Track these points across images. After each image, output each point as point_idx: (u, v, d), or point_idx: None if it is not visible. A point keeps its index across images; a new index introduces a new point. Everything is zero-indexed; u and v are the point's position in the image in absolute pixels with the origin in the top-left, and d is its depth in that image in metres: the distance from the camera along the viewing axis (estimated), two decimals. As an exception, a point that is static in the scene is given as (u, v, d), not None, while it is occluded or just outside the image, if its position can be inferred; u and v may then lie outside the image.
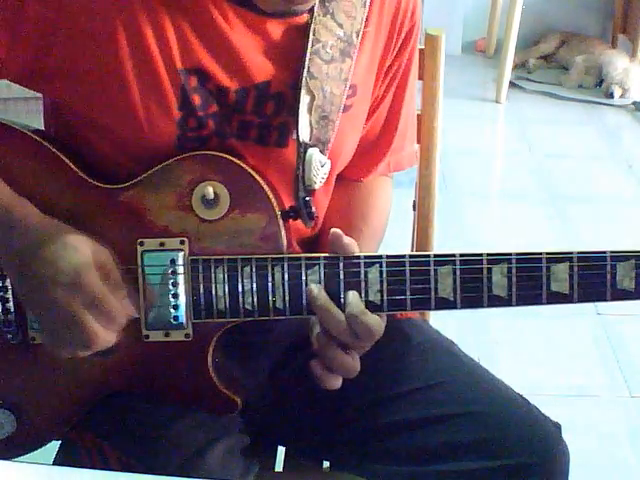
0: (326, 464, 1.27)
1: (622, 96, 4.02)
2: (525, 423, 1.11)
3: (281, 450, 1.28)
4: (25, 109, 2.17)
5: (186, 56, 1.01)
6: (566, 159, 3.56)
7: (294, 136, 1.07)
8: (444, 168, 3.20)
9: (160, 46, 1.00)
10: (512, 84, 4.09)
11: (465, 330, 2.38)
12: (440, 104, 1.38)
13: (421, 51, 1.30)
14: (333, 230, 1.01)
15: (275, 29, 1.04)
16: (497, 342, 2.44)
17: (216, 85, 1.03)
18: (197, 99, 1.02)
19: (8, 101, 2.20)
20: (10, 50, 0.99)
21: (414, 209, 1.44)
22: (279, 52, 1.05)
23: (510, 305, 1.00)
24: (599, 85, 4.12)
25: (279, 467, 1.28)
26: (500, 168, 3.67)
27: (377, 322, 1.00)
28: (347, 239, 1.00)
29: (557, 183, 3.36)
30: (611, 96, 4.01)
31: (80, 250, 0.96)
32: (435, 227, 1.44)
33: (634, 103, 3.99)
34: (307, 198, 1.05)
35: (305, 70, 1.04)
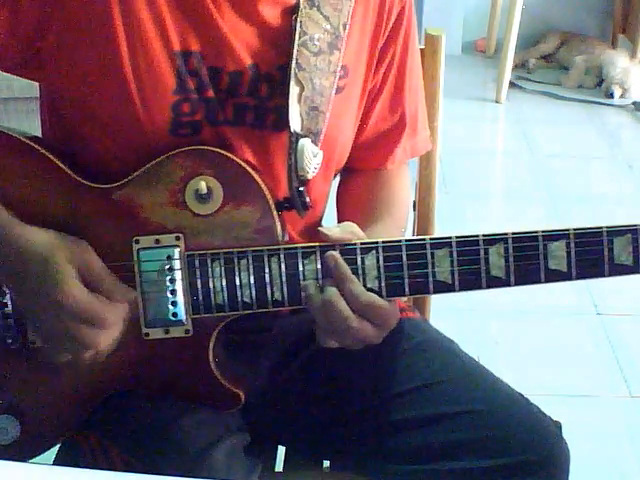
0: (326, 464, 1.27)
1: (622, 96, 4.02)
2: (525, 422, 1.11)
3: (281, 450, 1.28)
4: (25, 109, 2.17)
5: (181, 39, 1.01)
6: (566, 159, 3.56)
7: None
8: (444, 168, 3.19)
9: (157, 28, 1.00)
10: (512, 84, 4.09)
11: (465, 330, 2.37)
12: (440, 104, 1.38)
13: (421, 51, 1.30)
14: (319, 231, 1.01)
15: (265, 9, 1.04)
16: (497, 342, 2.44)
17: (209, 68, 1.03)
18: (192, 83, 1.03)
19: (8, 101, 2.19)
20: (7, 33, 0.99)
21: (414, 209, 1.44)
22: (269, 33, 1.05)
23: (509, 285, 0.99)
24: (599, 85, 4.12)
25: (279, 467, 1.28)
26: (500, 168, 3.67)
27: (379, 299, 0.99)
28: (335, 235, 1.00)
29: (557, 183, 3.36)
30: (611, 96, 4.00)
31: (60, 265, 0.96)
32: (435, 227, 1.44)
33: (634, 103, 3.98)
34: (300, 188, 1.05)
35: (293, 61, 1.04)
